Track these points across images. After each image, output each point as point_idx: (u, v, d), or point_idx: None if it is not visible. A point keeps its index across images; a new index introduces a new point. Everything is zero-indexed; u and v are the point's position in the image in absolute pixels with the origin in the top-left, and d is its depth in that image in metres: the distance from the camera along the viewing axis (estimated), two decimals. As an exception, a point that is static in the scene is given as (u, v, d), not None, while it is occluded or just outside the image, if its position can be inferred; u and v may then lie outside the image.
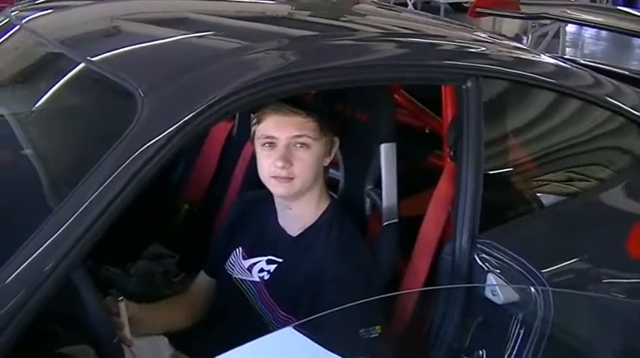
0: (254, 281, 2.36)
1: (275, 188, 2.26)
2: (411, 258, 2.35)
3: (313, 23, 2.76)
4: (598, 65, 3.58)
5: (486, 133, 2.28)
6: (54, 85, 2.29)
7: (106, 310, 1.98)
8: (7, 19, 2.70)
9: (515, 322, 2.14)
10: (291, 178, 2.21)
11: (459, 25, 3.13)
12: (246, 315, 2.32)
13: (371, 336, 2.08)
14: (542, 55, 2.91)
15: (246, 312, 2.33)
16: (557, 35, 8.71)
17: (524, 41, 8.28)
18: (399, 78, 2.41)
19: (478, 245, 2.19)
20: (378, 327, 2.10)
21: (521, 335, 2.13)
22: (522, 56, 2.69)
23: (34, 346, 1.88)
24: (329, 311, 1.81)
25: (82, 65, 2.18)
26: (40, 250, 1.71)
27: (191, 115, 1.80)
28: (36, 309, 1.70)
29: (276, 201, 2.36)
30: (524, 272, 2.16)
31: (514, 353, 2.13)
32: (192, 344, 2.31)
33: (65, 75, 2.24)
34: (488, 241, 2.20)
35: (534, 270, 2.17)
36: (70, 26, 2.57)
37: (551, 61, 2.83)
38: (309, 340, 1.75)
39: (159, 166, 1.79)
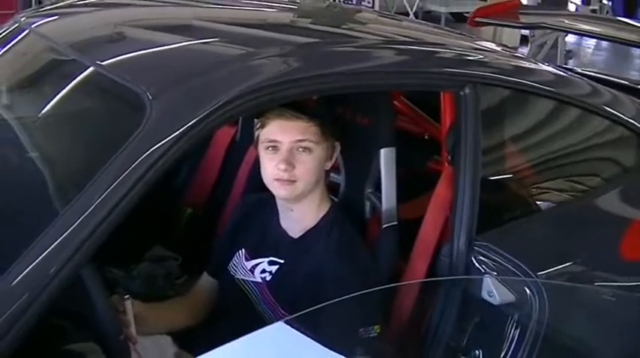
0: (256, 282, 2.40)
1: (278, 190, 2.31)
2: (410, 259, 2.39)
3: (315, 30, 2.81)
4: (596, 75, 3.63)
5: (484, 139, 2.33)
6: (63, 89, 2.33)
7: (112, 308, 2.03)
8: (17, 24, 2.75)
9: (511, 322, 2.19)
10: (294, 181, 2.26)
11: (459, 34, 3.18)
12: (248, 315, 2.36)
13: (370, 336, 2.13)
14: (540, 64, 2.96)
15: (249, 312, 2.37)
16: (555, 45, 8.75)
17: (525, 51, 8.34)
18: (399, 84, 2.47)
19: (475, 247, 2.25)
20: (377, 327, 2.15)
21: (517, 335, 2.17)
22: (520, 64, 2.74)
23: (43, 343, 1.92)
24: (322, 304, 1.86)
25: (91, 69, 2.22)
26: (45, 253, 1.74)
27: (198, 118, 1.85)
28: (40, 311, 1.72)
29: (279, 203, 2.40)
30: (520, 274, 2.20)
31: (510, 352, 2.17)
32: (195, 343, 2.35)
33: (74, 79, 2.28)
34: (485, 243, 2.24)
35: (530, 272, 2.21)
36: (78, 31, 2.61)
37: (549, 69, 2.88)
38: (302, 334, 1.79)
39: (165, 168, 1.83)
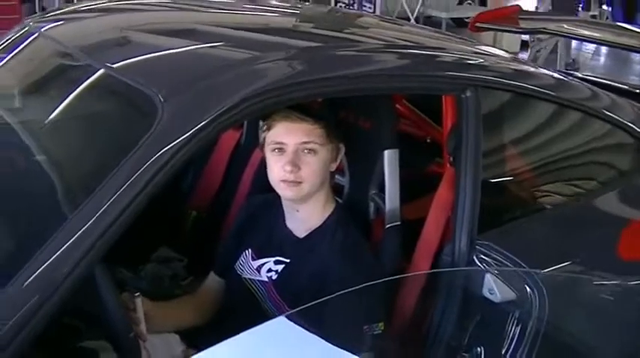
0: (262, 281, 2.45)
1: (284, 191, 2.36)
2: (413, 259, 2.44)
3: (319, 35, 2.86)
4: (595, 79, 3.68)
5: (484, 141, 2.38)
6: (74, 91, 2.37)
7: (123, 305, 2.08)
8: (26, 28, 2.80)
9: (512, 320, 2.24)
10: (299, 182, 2.31)
11: (459, 38, 3.23)
12: (254, 313, 2.38)
13: (374, 333, 2.18)
14: (540, 68, 3.01)
15: (255, 311, 2.41)
16: (555, 50, 8.81)
17: (525, 56, 8.39)
18: (401, 87, 2.51)
19: (477, 246, 2.29)
20: (380, 324, 2.20)
21: (517, 332, 2.22)
22: (520, 68, 2.80)
23: (56, 341, 1.96)
24: (326, 298, 1.91)
25: (102, 71, 2.26)
26: (57, 254, 1.77)
27: (208, 120, 1.89)
28: (51, 313, 1.76)
29: (284, 203, 2.45)
30: (519, 271, 2.25)
31: (511, 349, 2.22)
32: (202, 341, 2.39)
33: (85, 81, 2.32)
34: (486, 243, 2.29)
35: (530, 270, 2.26)
36: (88, 34, 2.65)
37: (549, 73, 2.93)
38: (305, 330, 1.82)
39: (175, 169, 1.87)
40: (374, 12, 10.62)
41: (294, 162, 2.30)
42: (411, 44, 2.84)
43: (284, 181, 2.33)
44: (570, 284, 2.43)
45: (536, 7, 9.78)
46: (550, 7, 9.66)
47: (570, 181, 2.82)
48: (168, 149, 1.85)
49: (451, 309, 2.31)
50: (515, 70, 2.74)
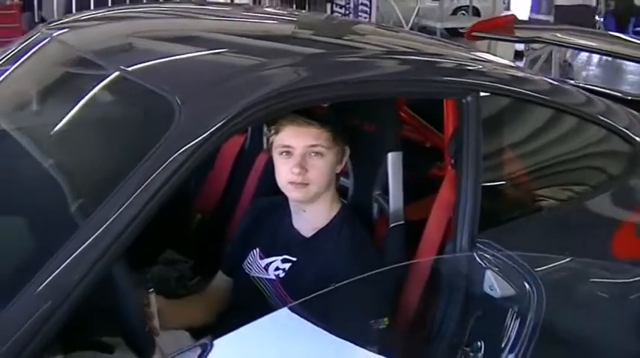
0: (270, 279, 2.53)
1: (291, 193, 2.45)
2: (416, 257, 2.51)
3: (322, 42, 2.94)
4: (588, 87, 3.78)
5: (484, 144, 2.46)
6: (90, 94, 2.44)
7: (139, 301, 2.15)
8: (38, 34, 2.87)
9: (511, 315, 2.32)
10: (307, 184, 2.40)
11: (456, 44, 3.32)
12: (263, 311, 2.46)
13: (379, 327, 2.27)
14: (535, 74, 3.10)
15: (263, 308, 2.47)
16: (549, 59, 8.92)
17: (520, 65, 8.49)
18: (405, 92, 2.61)
19: (477, 244, 2.37)
20: (386, 319, 2.28)
21: (516, 326, 2.30)
22: (517, 74, 2.89)
23: (73, 336, 2.03)
24: (331, 287, 2.01)
25: (116, 74, 2.33)
26: (69, 259, 1.80)
27: (224, 121, 1.97)
28: (64, 318, 1.78)
29: (291, 204, 2.54)
30: (520, 270, 2.34)
31: (510, 343, 2.31)
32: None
33: (101, 84, 2.39)
34: (486, 241, 2.37)
35: (528, 268, 2.35)
36: (100, 39, 2.74)
37: (545, 78, 3.02)
38: (306, 321, 1.91)
39: (191, 170, 1.94)
40: (369, 21, 10.71)
41: (302, 165, 2.38)
42: (411, 50, 2.93)
43: (292, 183, 2.41)
44: (567, 281, 2.52)
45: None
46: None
47: (567, 183, 2.90)
48: (187, 149, 1.91)
49: (453, 305, 2.38)
50: (513, 75, 2.83)
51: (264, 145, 3.14)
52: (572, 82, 4.02)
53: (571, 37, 4.59)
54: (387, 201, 2.55)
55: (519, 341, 2.30)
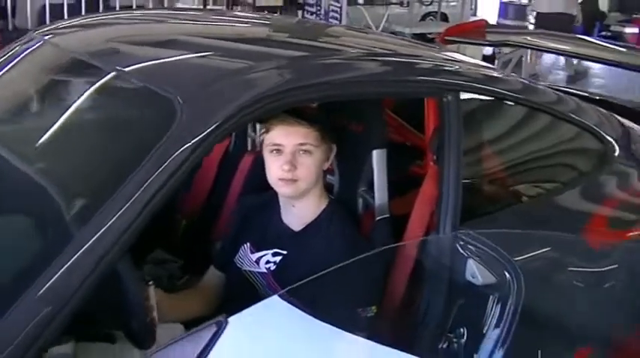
0: (262, 273, 2.63)
1: (281, 189, 2.56)
2: (400, 248, 2.61)
3: (306, 45, 3.03)
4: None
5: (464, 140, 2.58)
6: (91, 95, 2.51)
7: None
8: (31, 39, 2.94)
9: (493, 301, 2.44)
10: (296, 180, 2.51)
11: (426, 45, 3.45)
12: (255, 303, 2.57)
13: (367, 315, 2.39)
14: (507, 74, 3.24)
15: (256, 300, 2.56)
16: (519, 64, 9.10)
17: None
18: (389, 92, 2.72)
19: (459, 235, 2.49)
20: (374, 308, 2.41)
21: (497, 312, 2.43)
22: (492, 74, 3.02)
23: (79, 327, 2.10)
24: (313, 277, 2.10)
25: (114, 74, 2.41)
26: (69, 262, 1.86)
27: (224, 118, 2.07)
28: (65, 321, 1.84)
29: (281, 200, 2.65)
30: (499, 258, 2.46)
31: (491, 328, 2.43)
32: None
33: (100, 85, 2.46)
34: (468, 231, 2.50)
35: (508, 257, 2.47)
36: (95, 42, 2.81)
37: (517, 78, 3.16)
38: (296, 308, 2.00)
39: (194, 164, 2.04)
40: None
41: (291, 162, 2.49)
42: (390, 52, 3.04)
43: (282, 179, 2.52)
44: (544, 269, 2.65)
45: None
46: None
47: (539, 178, 3.05)
48: (189, 146, 2.00)
49: (437, 294, 2.50)
50: (488, 75, 2.96)
51: (249, 147, 3.26)
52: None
53: (540, 41, 4.74)
54: (372, 197, 2.66)
55: (500, 326, 2.42)
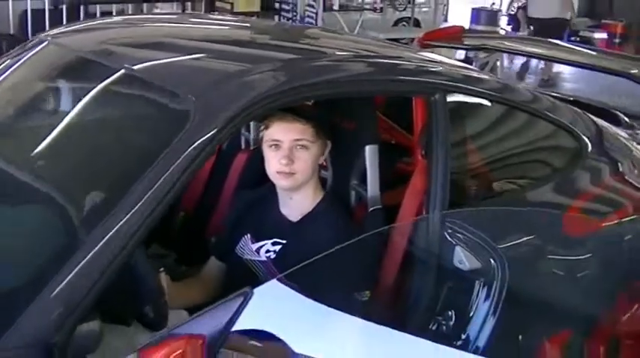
0: (262, 261, 2.79)
1: (280, 181, 2.73)
2: (392, 236, 2.77)
3: (292, 47, 3.18)
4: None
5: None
6: (101, 93, 2.63)
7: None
8: (39, 41, 3.07)
9: (479, 286, 2.62)
10: (293, 173, 2.68)
11: (404, 46, 3.61)
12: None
13: (362, 299, 2.55)
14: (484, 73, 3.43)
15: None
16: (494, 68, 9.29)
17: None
18: (381, 90, 2.90)
19: (447, 223, 2.65)
20: (367, 293, 2.57)
21: (483, 296, 2.60)
22: (474, 74, 3.21)
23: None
24: (311, 260, 2.22)
25: (123, 72, 2.54)
26: (79, 266, 1.97)
27: (234, 114, 2.23)
28: (80, 318, 1.95)
29: (279, 192, 2.81)
30: (484, 245, 2.63)
31: (477, 311, 2.60)
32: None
33: (110, 83, 2.58)
34: (455, 220, 2.66)
35: (493, 244, 2.65)
36: (100, 42, 2.94)
37: (494, 77, 3.34)
38: (294, 291, 2.13)
39: (207, 157, 2.19)
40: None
41: (289, 157, 2.67)
42: (375, 54, 3.20)
43: (280, 172, 2.69)
44: (526, 255, 2.83)
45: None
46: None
47: (521, 171, 3.24)
48: (203, 140, 2.16)
49: (426, 279, 2.66)
50: (471, 75, 3.13)
51: (242, 146, 3.41)
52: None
53: (514, 44, 4.95)
54: (364, 190, 2.83)
55: (485, 308, 2.59)
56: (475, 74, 3.24)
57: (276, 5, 11.31)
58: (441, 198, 2.67)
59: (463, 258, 2.60)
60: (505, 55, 9.40)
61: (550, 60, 4.90)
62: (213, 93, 2.33)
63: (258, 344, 2.05)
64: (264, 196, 2.88)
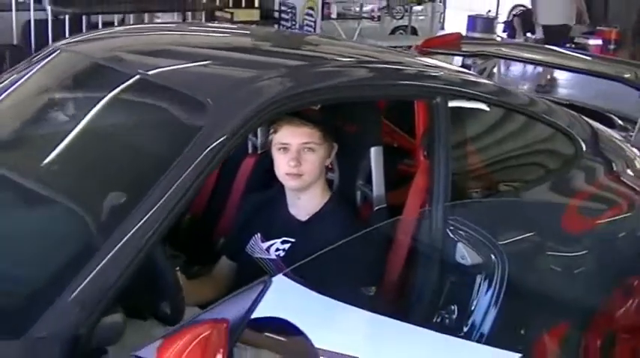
0: (272, 259, 2.90)
1: (288, 182, 2.85)
2: (397, 233, 2.89)
3: (296, 54, 3.31)
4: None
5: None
6: (116, 98, 2.75)
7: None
8: (53, 49, 3.18)
9: (480, 280, 2.73)
10: (301, 175, 2.80)
11: (402, 51, 3.71)
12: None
13: (368, 294, 2.67)
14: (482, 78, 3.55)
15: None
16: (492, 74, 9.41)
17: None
18: (384, 94, 3.02)
19: (449, 221, 2.76)
20: (373, 288, 2.70)
21: (484, 290, 2.72)
22: (473, 79, 3.33)
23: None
24: (316, 254, 2.34)
25: (138, 78, 2.66)
26: (99, 267, 2.07)
27: (248, 116, 2.35)
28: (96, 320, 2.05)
29: (288, 193, 2.93)
30: (485, 241, 2.74)
31: (478, 304, 2.71)
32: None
33: (125, 87, 2.70)
34: (458, 218, 2.78)
35: (493, 240, 2.76)
36: (115, 50, 3.06)
37: (491, 82, 3.47)
38: (300, 285, 2.22)
39: (222, 158, 2.30)
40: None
41: (297, 159, 2.78)
42: (377, 59, 3.30)
43: (288, 174, 2.81)
44: (526, 250, 2.94)
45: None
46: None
47: (520, 171, 3.36)
48: (218, 143, 2.27)
49: (430, 274, 2.77)
50: (469, 80, 3.26)
51: (249, 150, 3.52)
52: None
53: (511, 51, 5.07)
54: (370, 190, 2.94)
55: (486, 302, 2.70)
56: (474, 78, 3.36)
57: (276, 14, 11.45)
58: (444, 196, 2.77)
59: (465, 254, 2.71)
60: (502, 62, 9.51)
61: (546, 65, 5.00)
62: (228, 97, 2.45)
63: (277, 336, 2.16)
64: (273, 197, 3.00)
